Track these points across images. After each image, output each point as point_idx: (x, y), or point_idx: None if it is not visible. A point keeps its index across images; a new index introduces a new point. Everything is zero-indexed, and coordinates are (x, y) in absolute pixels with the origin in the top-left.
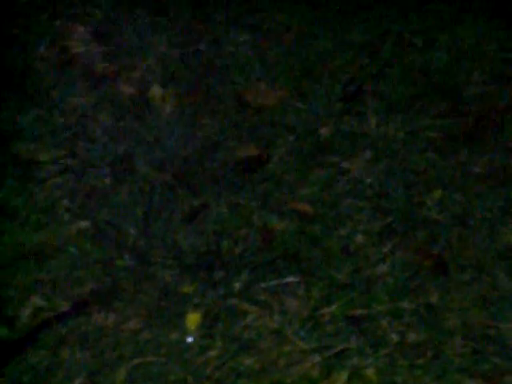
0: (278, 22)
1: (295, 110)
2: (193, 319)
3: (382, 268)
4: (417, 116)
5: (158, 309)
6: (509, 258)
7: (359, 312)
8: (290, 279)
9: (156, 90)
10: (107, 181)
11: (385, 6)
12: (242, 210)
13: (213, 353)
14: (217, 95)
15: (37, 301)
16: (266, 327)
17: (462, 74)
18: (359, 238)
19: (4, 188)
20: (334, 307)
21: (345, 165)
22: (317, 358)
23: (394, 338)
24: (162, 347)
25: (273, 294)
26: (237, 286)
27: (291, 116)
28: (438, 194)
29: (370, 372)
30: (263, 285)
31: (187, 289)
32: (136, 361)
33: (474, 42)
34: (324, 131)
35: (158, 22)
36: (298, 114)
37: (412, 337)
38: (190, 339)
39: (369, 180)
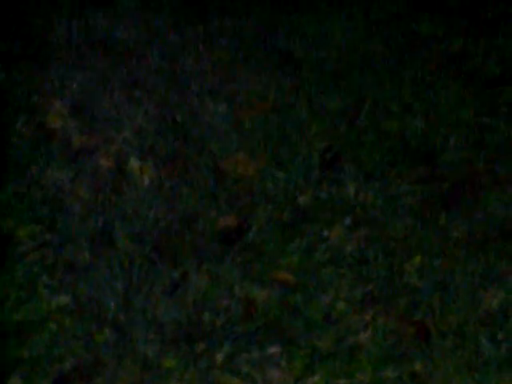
0: (254, 92)
1: (274, 178)
2: None
3: (365, 336)
4: (394, 182)
5: None
6: (490, 324)
7: (342, 382)
8: (272, 350)
9: (134, 163)
10: (86, 255)
11: (360, 74)
12: (223, 281)
13: None
14: (195, 166)
15: (16, 381)
16: None
17: (439, 140)
18: (341, 306)
19: None
20: (316, 377)
21: (324, 232)
22: None
23: None
24: None
25: (255, 365)
26: (219, 358)
27: (270, 185)
28: (418, 260)
29: None
30: (245, 356)
31: (169, 363)
32: None
33: (449, 108)
34: (303, 199)
35: (134, 95)
36: (276, 182)
37: None
38: None
39: (349, 247)
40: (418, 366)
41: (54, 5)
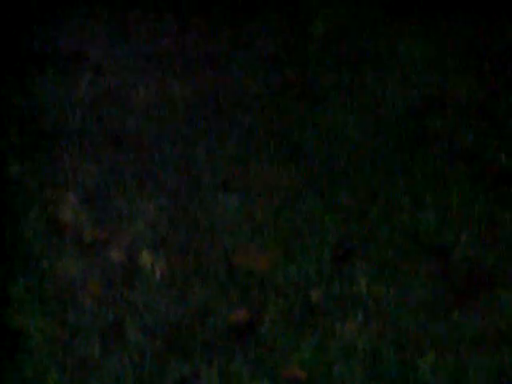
0: (266, 184)
1: (285, 272)
2: None
3: None
4: (407, 277)
5: None
6: None
7: None
8: None
9: (146, 256)
10: (97, 349)
11: (371, 168)
12: (234, 377)
13: None
14: (207, 259)
15: None
16: None
17: (451, 235)
18: None
19: None
20: None
21: (336, 327)
22: None
23: None
24: None
25: None
26: None
27: (281, 279)
28: (431, 356)
29: None
30: None
31: None
32: None
33: (461, 203)
34: (315, 294)
35: (147, 187)
36: (288, 276)
37: None
38: None
39: (361, 343)
40: None
41: (68, 97)
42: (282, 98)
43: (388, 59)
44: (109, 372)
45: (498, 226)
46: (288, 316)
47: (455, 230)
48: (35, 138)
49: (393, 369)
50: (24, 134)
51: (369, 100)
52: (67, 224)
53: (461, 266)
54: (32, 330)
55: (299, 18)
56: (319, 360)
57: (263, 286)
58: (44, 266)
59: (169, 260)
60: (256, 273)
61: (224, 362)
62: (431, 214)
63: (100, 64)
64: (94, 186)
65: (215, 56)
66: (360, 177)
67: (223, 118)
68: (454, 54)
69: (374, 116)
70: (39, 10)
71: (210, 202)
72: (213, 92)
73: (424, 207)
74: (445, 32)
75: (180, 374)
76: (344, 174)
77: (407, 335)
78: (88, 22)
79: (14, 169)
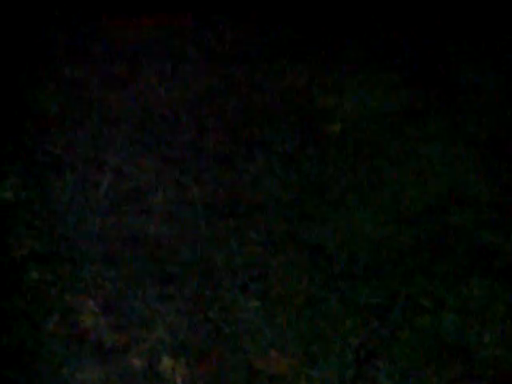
0: (286, 287)
1: (307, 376)
2: None
3: None
4: (430, 381)
5: None
6: None
7: None
8: None
9: (166, 362)
10: None
11: (391, 268)
12: None
13: None
14: (228, 364)
15: None
16: None
17: (474, 336)
18: None
19: None
20: None
21: None
22: None
23: None
24: None
25: None
26: None
27: (303, 383)
28: None
29: None
30: None
31: None
32: None
33: (482, 303)
34: None
35: (166, 291)
36: (310, 380)
37: None
38: None
39: None
40: None
41: (88, 200)
42: (301, 199)
43: (405, 158)
44: None
45: None
46: None
47: (478, 331)
48: (55, 244)
49: None
50: (43, 240)
51: (387, 198)
52: (87, 330)
53: (485, 368)
54: None
55: (316, 117)
56: None
57: None
58: (64, 374)
59: (189, 365)
60: (277, 377)
61: None
62: (452, 315)
63: (119, 167)
64: (114, 291)
65: (232, 157)
66: (380, 277)
67: (242, 219)
68: (470, 154)
69: (393, 214)
70: (56, 116)
71: (230, 306)
72: (231, 193)
73: (445, 307)
74: (462, 132)
75: None
76: (364, 274)
77: None
78: (105, 126)
79: (33, 275)
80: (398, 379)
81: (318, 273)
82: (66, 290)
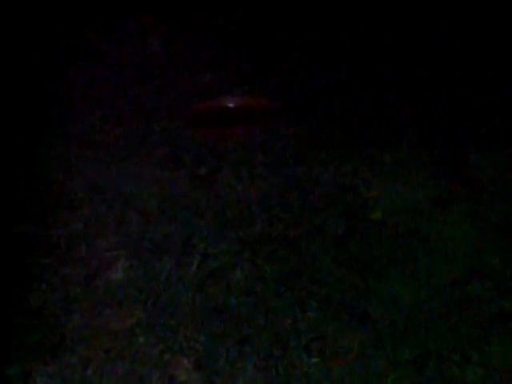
0: (341, 346)
1: None
2: None
3: None
4: None
5: None
6: None
7: None
8: None
9: None
10: None
11: (425, 329)
12: None
13: None
14: None
15: None
16: None
17: None
18: None
19: None
20: None
21: None
22: None
23: None
24: None
25: None
26: None
27: None
28: None
29: None
30: None
31: None
32: None
33: (505, 359)
34: None
35: (244, 350)
36: None
37: None
38: None
39: None
40: None
41: (181, 279)
42: (350, 273)
43: (435, 239)
44: None
45: None
46: None
47: (498, 380)
48: (156, 314)
49: None
50: (148, 311)
51: (420, 273)
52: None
53: None
54: None
55: (361, 206)
56: None
57: None
58: None
59: None
60: None
61: None
62: (478, 369)
63: (205, 250)
64: (203, 350)
65: (296, 240)
66: (416, 337)
67: (304, 291)
68: (489, 235)
69: (425, 286)
70: (154, 211)
71: (295, 362)
72: (295, 270)
73: (471, 361)
74: (481, 218)
75: None
76: (403, 335)
77: None
78: (194, 219)
79: (140, 339)
80: None
81: (366, 335)
82: (165, 351)
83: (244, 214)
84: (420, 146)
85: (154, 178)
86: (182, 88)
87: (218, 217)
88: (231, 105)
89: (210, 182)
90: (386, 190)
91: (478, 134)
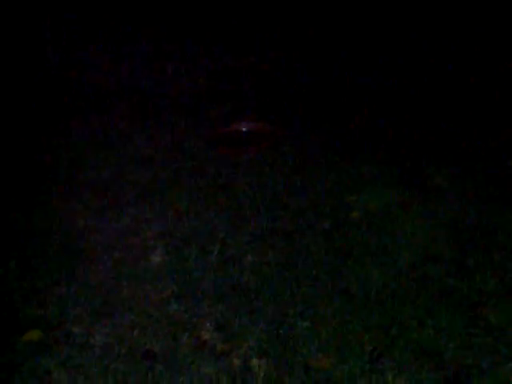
0: (327, 314)
1: (340, 369)
2: None
3: None
4: (418, 371)
5: None
6: None
7: None
8: None
9: (254, 361)
10: None
11: (392, 301)
12: None
13: None
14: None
15: None
16: None
17: (443, 343)
18: None
19: None
20: None
21: None
22: None
23: None
24: None
25: None
26: None
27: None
28: None
29: None
30: None
31: None
32: None
33: (445, 321)
34: None
35: (253, 319)
36: (342, 371)
37: None
38: None
39: None
40: None
41: None
42: (334, 259)
43: (400, 232)
44: None
45: None
46: None
47: (446, 339)
48: (191, 286)
49: None
50: (179, 283)
51: (388, 258)
52: (206, 341)
53: (449, 362)
54: None
55: (344, 207)
56: None
57: None
58: (194, 368)
59: (269, 364)
60: (321, 370)
61: None
62: (430, 331)
63: (224, 240)
64: (221, 316)
65: (292, 233)
66: (384, 307)
67: (299, 272)
68: (441, 230)
69: (392, 268)
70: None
71: (292, 326)
72: (292, 256)
73: (425, 326)
74: (436, 217)
75: None
76: (374, 306)
77: None
78: (216, 214)
79: (174, 306)
80: (396, 372)
81: (346, 305)
82: (192, 316)
83: (253, 213)
84: (388, 163)
85: (184, 184)
86: (208, 116)
87: (233, 215)
88: (244, 129)
89: (227, 188)
90: (363, 195)
91: (433, 153)
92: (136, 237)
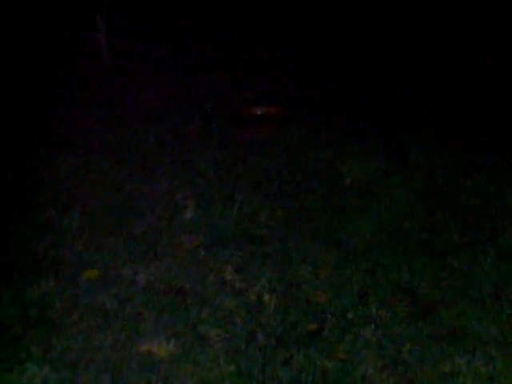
0: (324, 260)
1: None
2: None
3: None
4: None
5: None
6: None
7: None
8: None
9: (266, 296)
10: None
11: (375, 250)
12: None
13: None
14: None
15: None
16: None
17: (415, 284)
18: None
19: None
20: None
21: None
22: None
23: None
24: None
25: None
26: None
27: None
28: None
29: None
30: None
31: None
32: None
33: (425, 268)
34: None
35: (263, 264)
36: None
37: None
38: None
39: None
40: None
41: None
42: (330, 215)
43: (382, 196)
44: None
45: None
46: None
47: (419, 281)
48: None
49: None
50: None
51: (373, 215)
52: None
53: (422, 300)
54: None
55: (338, 176)
56: None
57: None
58: None
59: (277, 298)
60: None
61: None
62: (407, 275)
63: (242, 200)
64: (241, 262)
65: (296, 195)
66: (371, 254)
67: (301, 225)
68: (417, 193)
69: (376, 223)
70: None
71: (296, 269)
72: (296, 213)
73: (403, 271)
74: (412, 184)
75: None
76: (362, 254)
77: None
78: (236, 180)
79: None
80: (379, 305)
81: (338, 253)
82: (217, 261)
83: (265, 179)
84: (374, 140)
85: (210, 156)
86: (232, 101)
87: (249, 181)
88: (259, 112)
89: (245, 159)
90: (353, 166)
91: (411, 128)
92: (172, 198)
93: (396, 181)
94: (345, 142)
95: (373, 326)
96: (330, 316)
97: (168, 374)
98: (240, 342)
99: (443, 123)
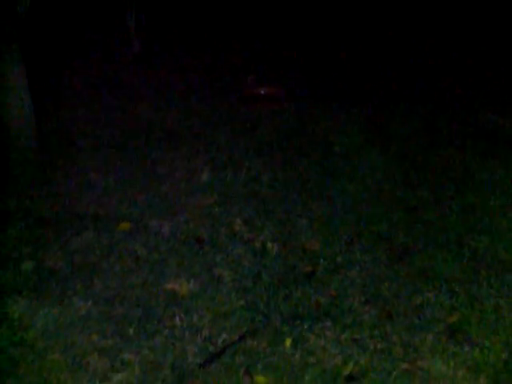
0: (319, 214)
1: (327, 251)
2: None
3: None
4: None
5: None
6: None
7: None
8: None
9: (269, 245)
10: None
11: (359, 211)
12: None
13: None
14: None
15: None
16: None
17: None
18: None
19: None
20: None
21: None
22: None
23: None
24: None
25: None
26: None
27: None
28: None
29: None
30: None
31: None
32: None
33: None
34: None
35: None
36: (328, 245)
37: None
38: None
39: None
40: None
41: None
42: (323, 178)
43: (364, 161)
44: None
45: None
46: None
47: (396, 231)
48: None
49: None
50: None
51: (359, 178)
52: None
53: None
54: None
55: (329, 144)
56: None
57: None
58: None
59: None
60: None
61: None
62: (386, 225)
63: (249, 166)
64: (248, 217)
65: (295, 162)
66: (358, 212)
67: (300, 186)
68: (395, 159)
69: (361, 184)
70: None
71: (296, 224)
72: (296, 176)
73: (383, 222)
74: (390, 151)
75: None
76: (350, 211)
77: None
78: (244, 149)
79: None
80: (363, 251)
81: (328, 209)
82: (228, 215)
83: (269, 148)
84: (358, 113)
85: (222, 128)
86: (239, 83)
87: (255, 148)
88: (263, 92)
89: (252, 130)
90: (341, 136)
91: (389, 104)
92: (190, 163)
93: (377, 149)
94: (334, 116)
95: (358, 268)
96: (322, 260)
97: (188, 307)
98: (248, 282)
99: (417, 100)
